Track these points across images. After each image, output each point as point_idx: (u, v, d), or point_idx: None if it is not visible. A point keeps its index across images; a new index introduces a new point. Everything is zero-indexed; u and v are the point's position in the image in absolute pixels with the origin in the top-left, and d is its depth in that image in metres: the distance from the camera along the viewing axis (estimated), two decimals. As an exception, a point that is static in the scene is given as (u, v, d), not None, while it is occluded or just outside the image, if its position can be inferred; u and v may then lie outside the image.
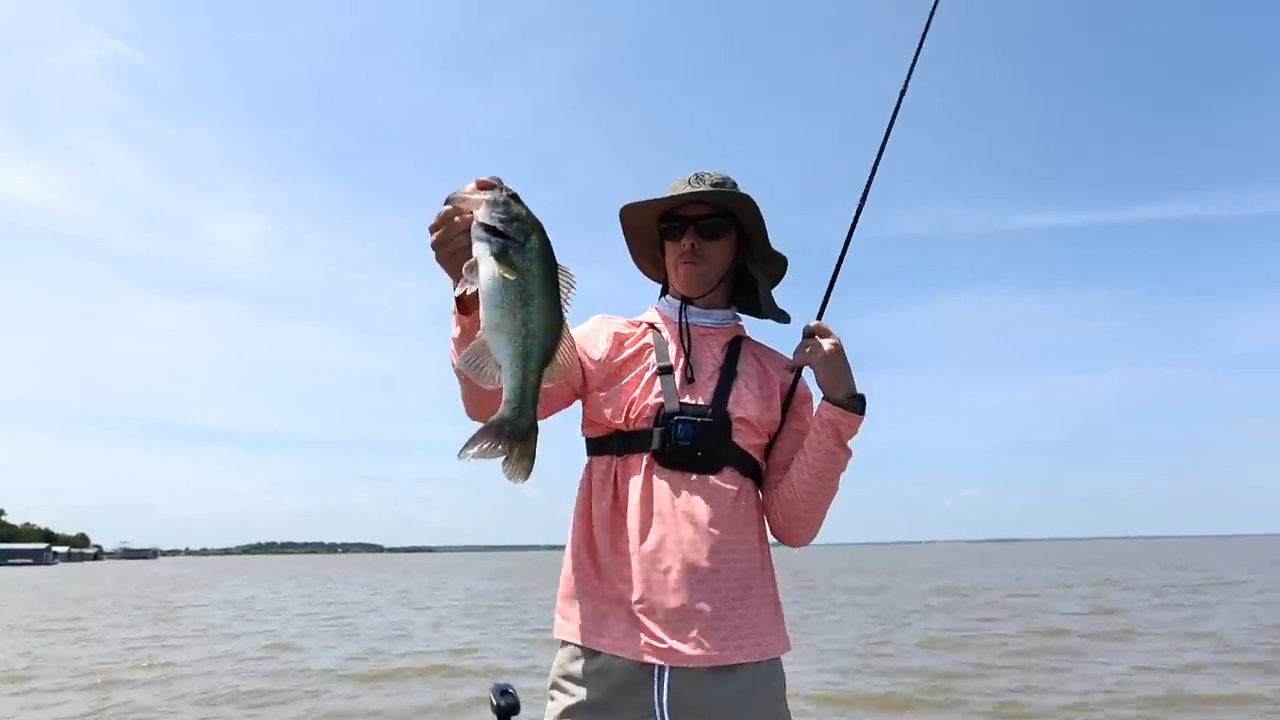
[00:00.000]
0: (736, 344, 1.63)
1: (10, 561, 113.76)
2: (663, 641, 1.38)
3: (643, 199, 1.60)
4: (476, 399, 1.42)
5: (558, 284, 1.25)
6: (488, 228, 1.20)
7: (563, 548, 1.56)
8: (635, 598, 1.41)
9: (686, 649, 1.38)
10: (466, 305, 1.31)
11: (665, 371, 1.53)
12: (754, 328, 1.74)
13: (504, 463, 1.24)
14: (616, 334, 1.60)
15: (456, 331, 1.34)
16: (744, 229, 1.62)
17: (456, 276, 1.26)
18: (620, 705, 1.39)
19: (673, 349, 1.58)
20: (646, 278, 1.77)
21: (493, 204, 1.21)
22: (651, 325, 1.63)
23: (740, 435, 1.51)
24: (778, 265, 1.66)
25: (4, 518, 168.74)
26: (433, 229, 1.26)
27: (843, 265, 1.64)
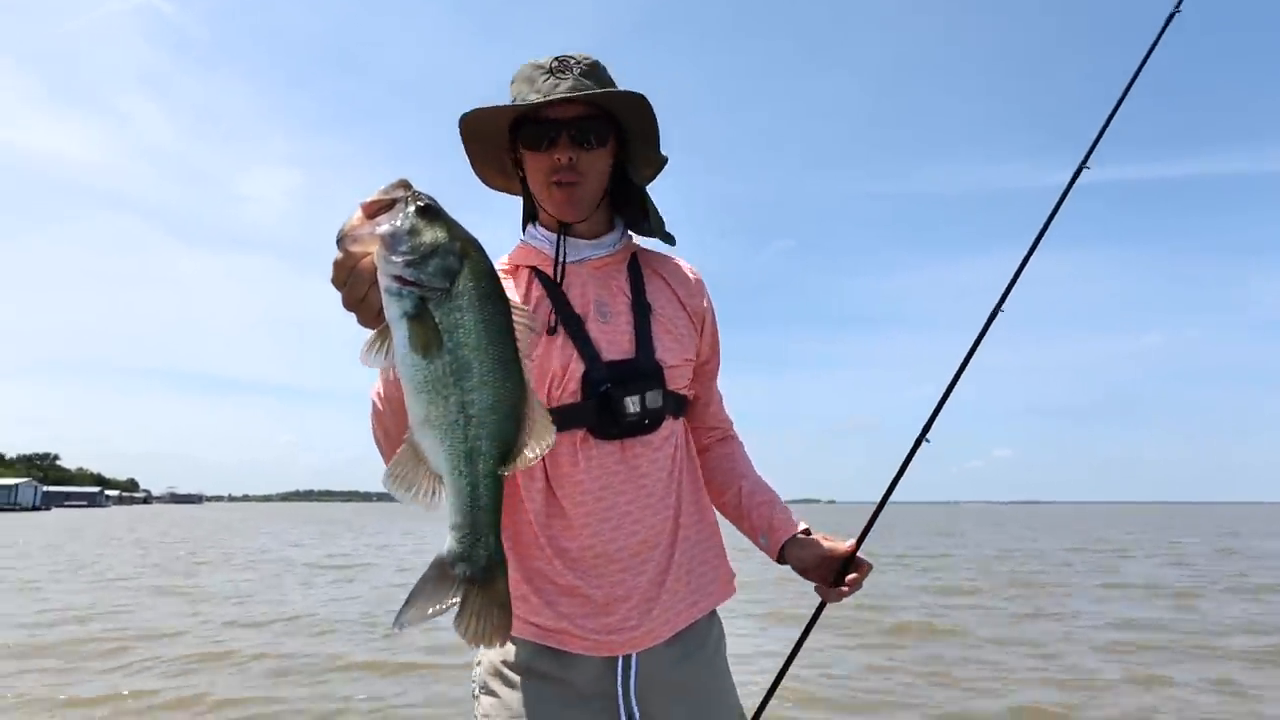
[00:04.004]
0: (637, 269, 1.38)
1: (67, 503, 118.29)
2: (629, 628, 1.24)
3: (492, 104, 1.25)
4: (390, 448, 1.14)
5: (509, 332, 0.87)
6: (394, 278, 0.83)
7: None
8: (597, 595, 1.25)
9: (654, 629, 1.26)
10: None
11: (572, 326, 1.27)
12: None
13: (458, 618, 0.88)
14: None
15: (378, 402, 1.15)
16: (625, 128, 1.32)
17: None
18: (582, 700, 1.24)
19: (572, 295, 1.30)
20: (491, 189, 1.43)
21: (392, 240, 0.83)
22: (532, 269, 1.33)
23: (672, 380, 1.32)
24: (654, 166, 1.38)
25: (60, 463, 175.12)
26: (335, 284, 0.89)
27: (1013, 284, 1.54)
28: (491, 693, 1.27)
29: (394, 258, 0.83)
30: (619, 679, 1.25)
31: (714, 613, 1.39)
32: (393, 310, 0.84)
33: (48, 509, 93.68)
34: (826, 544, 1.40)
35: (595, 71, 1.28)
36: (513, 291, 1.30)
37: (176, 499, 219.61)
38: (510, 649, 1.28)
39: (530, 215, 1.40)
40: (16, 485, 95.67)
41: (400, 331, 0.84)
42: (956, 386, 1.62)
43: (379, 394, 1.15)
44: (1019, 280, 1.65)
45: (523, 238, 1.40)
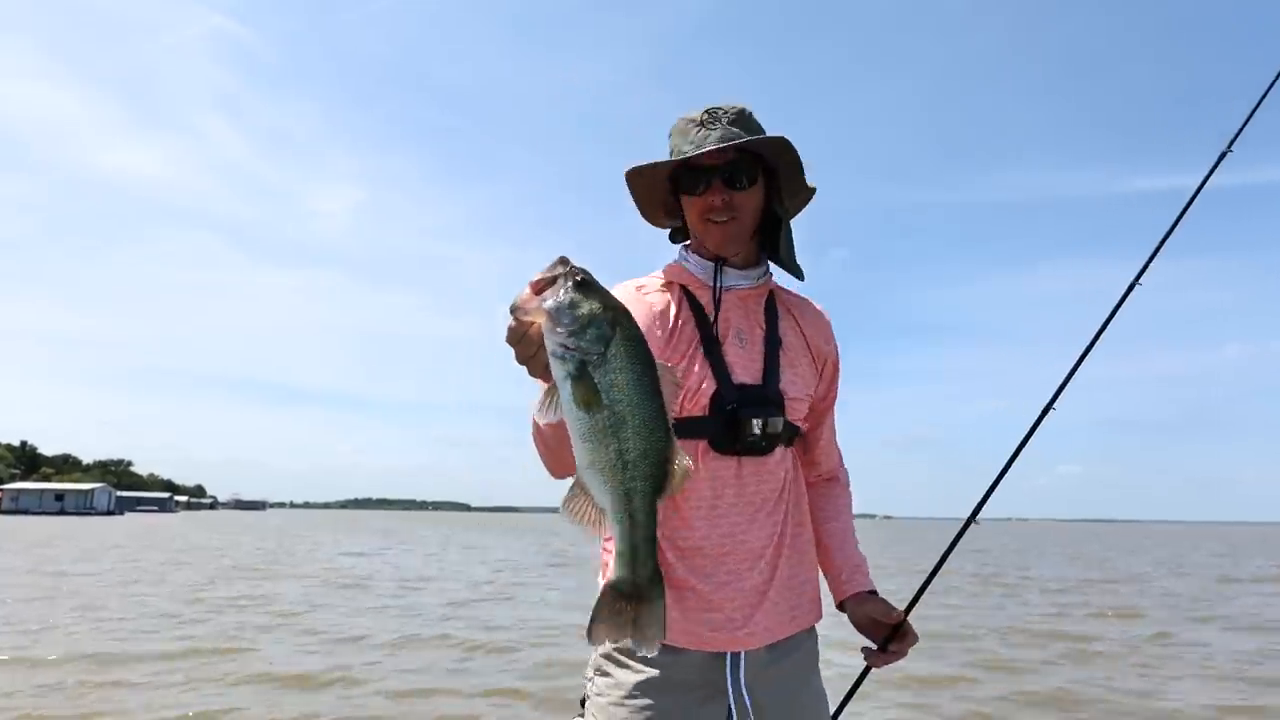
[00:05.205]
0: (773, 303, 1.53)
1: (139, 508, 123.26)
2: (732, 628, 1.36)
3: (652, 160, 1.42)
4: (557, 460, 1.34)
5: (656, 390, 1.05)
6: (558, 345, 1.02)
7: None
8: (704, 590, 1.37)
9: (755, 633, 1.37)
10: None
11: (711, 347, 1.42)
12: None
13: (632, 631, 1.10)
14: (651, 306, 1.44)
15: (540, 425, 1.30)
16: (773, 166, 1.45)
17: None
18: (687, 687, 1.36)
19: (715, 318, 1.45)
20: (656, 227, 1.59)
21: (556, 313, 1.01)
22: (683, 287, 1.48)
23: (791, 412, 1.45)
24: (802, 198, 1.50)
25: (133, 469, 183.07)
26: (509, 343, 1.10)
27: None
28: (605, 674, 1.41)
29: (558, 329, 1.01)
30: (728, 672, 1.37)
31: (812, 629, 1.51)
32: (558, 372, 1.02)
33: (121, 514, 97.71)
34: (881, 608, 1.50)
35: (742, 118, 1.41)
36: (656, 333, 1.42)
37: (241, 505, 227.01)
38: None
39: (679, 237, 1.57)
40: (93, 490, 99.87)
41: (565, 390, 1.02)
42: (1005, 476, 1.80)
43: (538, 421, 1.28)
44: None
45: (677, 258, 1.53)
